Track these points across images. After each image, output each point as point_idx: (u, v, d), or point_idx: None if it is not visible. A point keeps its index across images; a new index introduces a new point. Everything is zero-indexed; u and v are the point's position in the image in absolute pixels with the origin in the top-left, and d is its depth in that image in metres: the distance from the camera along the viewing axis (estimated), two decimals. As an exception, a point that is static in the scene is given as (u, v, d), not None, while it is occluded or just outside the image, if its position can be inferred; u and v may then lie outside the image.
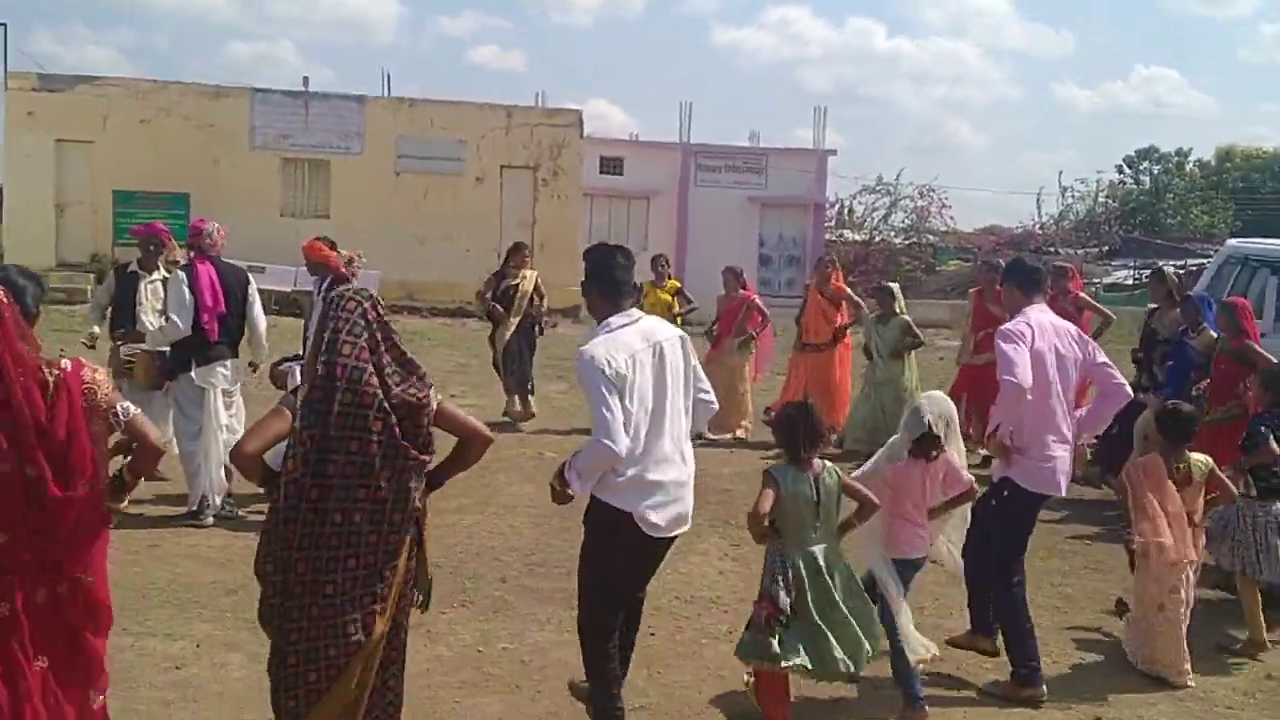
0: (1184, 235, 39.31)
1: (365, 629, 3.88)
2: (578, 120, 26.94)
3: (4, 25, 29.36)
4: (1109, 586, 7.47)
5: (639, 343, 4.59)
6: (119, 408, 3.71)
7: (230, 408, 8.47)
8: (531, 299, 12.18)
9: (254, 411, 9.74)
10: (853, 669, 4.90)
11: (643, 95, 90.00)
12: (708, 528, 8.33)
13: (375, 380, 3.83)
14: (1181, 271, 16.91)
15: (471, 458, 4.19)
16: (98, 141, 24.12)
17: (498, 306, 11.98)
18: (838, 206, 35.80)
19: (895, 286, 12.11)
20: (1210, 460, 6.20)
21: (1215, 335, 8.86)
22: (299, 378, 8.34)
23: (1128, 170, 49.24)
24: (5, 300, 3.51)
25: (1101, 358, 5.90)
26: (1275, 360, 8.32)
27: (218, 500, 8.17)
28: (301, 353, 8.87)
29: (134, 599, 6.39)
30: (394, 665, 4.12)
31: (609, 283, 4.75)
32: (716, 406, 5.09)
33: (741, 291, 12.43)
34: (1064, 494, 5.90)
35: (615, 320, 4.66)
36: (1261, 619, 6.45)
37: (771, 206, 31.08)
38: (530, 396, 12.38)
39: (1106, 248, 36.76)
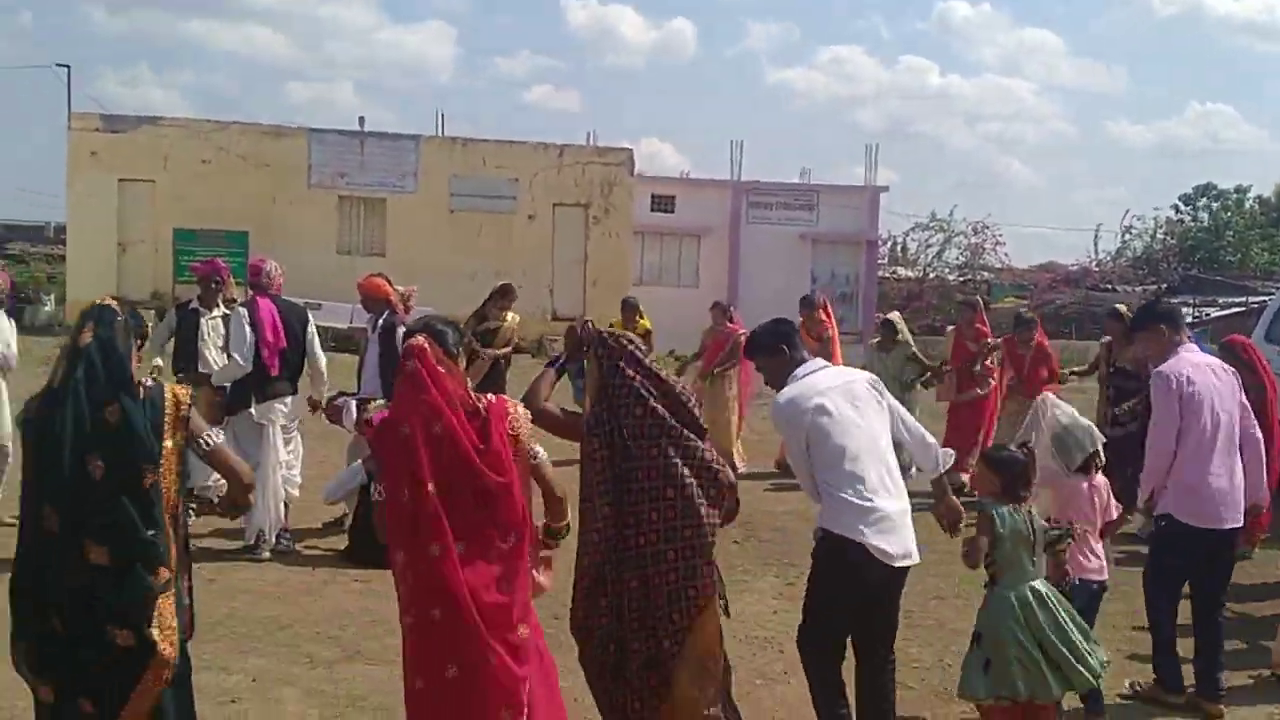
0: (1244, 273, 38.73)
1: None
2: (629, 158, 27.11)
3: (67, 68, 30.08)
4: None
5: (825, 382, 4.83)
6: (532, 449, 4.20)
7: (289, 444, 8.55)
8: (510, 341, 11.97)
9: (311, 447, 9.85)
10: (1064, 691, 4.96)
11: (695, 133, 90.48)
12: (761, 565, 8.27)
13: (659, 407, 4.28)
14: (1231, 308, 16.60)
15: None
16: (159, 181, 24.58)
17: (479, 349, 11.53)
18: (890, 243, 35.67)
19: (895, 317, 12.14)
20: None
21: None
22: (355, 413, 8.49)
23: (1184, 207, 48.60)
24: (427, 345, 3.99)
25: (1241, 399, 5.98)
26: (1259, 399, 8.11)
27: (274, 536, 8.23)
28: (357, 389, 8.99)
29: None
30: None
31: (778, 345, 5.00)
32: (943, 449, 5.09)
33: (728, 325, 12.39)
34: (1229, 527, 5.83)
35: (800, 370, 4.90)
36: None
37: (823, 243, 30.99)
38: None
39: (1165, 285, 36.28)
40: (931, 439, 5.03)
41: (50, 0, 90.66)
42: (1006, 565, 4.94)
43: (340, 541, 8.34)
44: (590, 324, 4.46)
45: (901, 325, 11.86)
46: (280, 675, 5.89)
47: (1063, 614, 4.92)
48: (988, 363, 11.26)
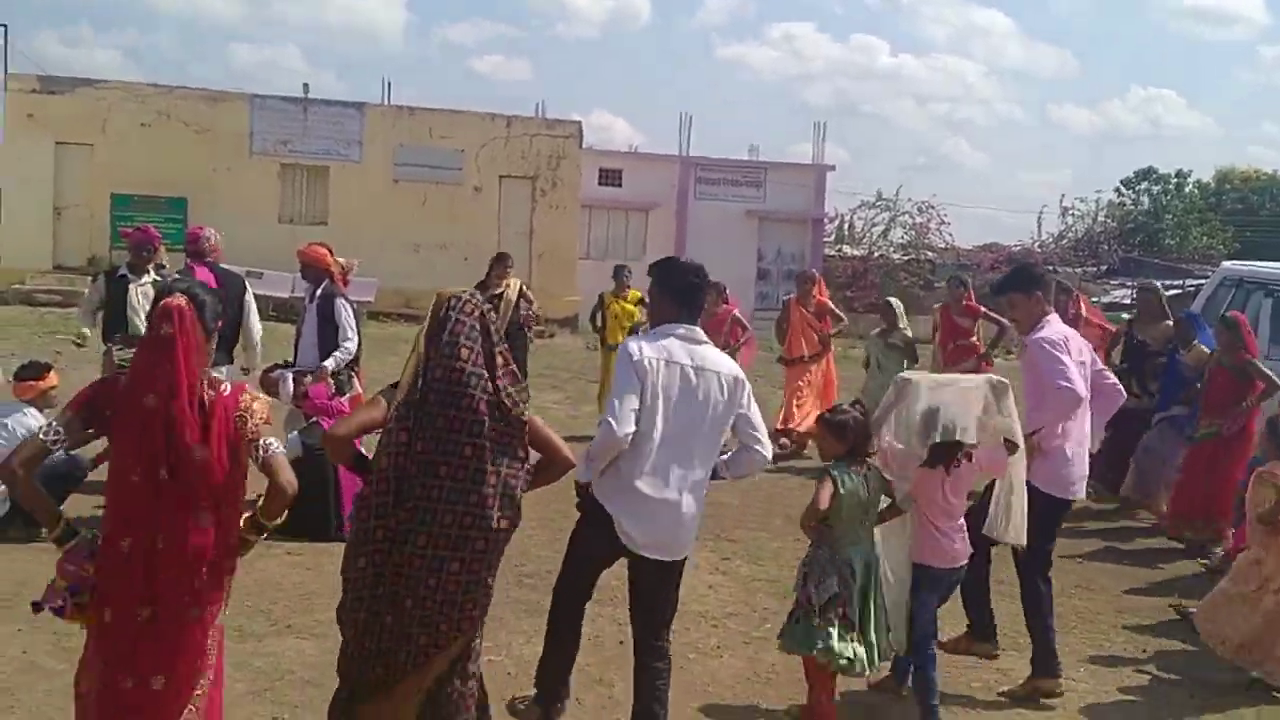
0: (1182, 256, 39.33)
1: (437, 644, 3.95)
2: (577, 131, 26.97)
3: (4, 26, 29.33)
4: (1098, 606, 7.45)
5: (682, 356, 4.59)
6: (263, 442, 3.70)
7: (222, 414, 8.44)
8: (517, 305, 12.12)
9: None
10: (885, 660, 5.13)
11: (646, 107, 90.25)
12: (698, 541, 8.29)
13: (491, 386, 3.91)
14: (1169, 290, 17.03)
15: (551, 478, 4.22)
16: (97, 145, 24.12)
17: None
18: (837, 221, 35.85)
19: (896, 302, 12.14)
20: None
21: (1206, 351, 8.94)
22: (291, 385, 8.41)
23: (1126, 191, 49.26)
24: (189, 309, 3.57)
25: (1098, 363, 6.14)
26: (1273, 376, 8.43)
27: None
28: (292, 360, 8.89)
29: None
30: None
31: (676, 294, 4.76)
32: (768, 457, 4.90)
33: (724, 306, 12.46)
34: (1081, 496, 6.03)
35: (679, 329, 4.68)
36: None
37: (770, 221, 31.09)
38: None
39: (1105, 267, 36.78)
40: (766, 455, 4.84)
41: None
42: (839, 526, 5.00)
43: (275, 514, 8.26)
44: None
45: (899, 309, 11.90)
46: (210, 648, 5.81)
47: (876, 594, 5.07)
48: (974, 339, 11.36)
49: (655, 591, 4.79)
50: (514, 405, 3.96)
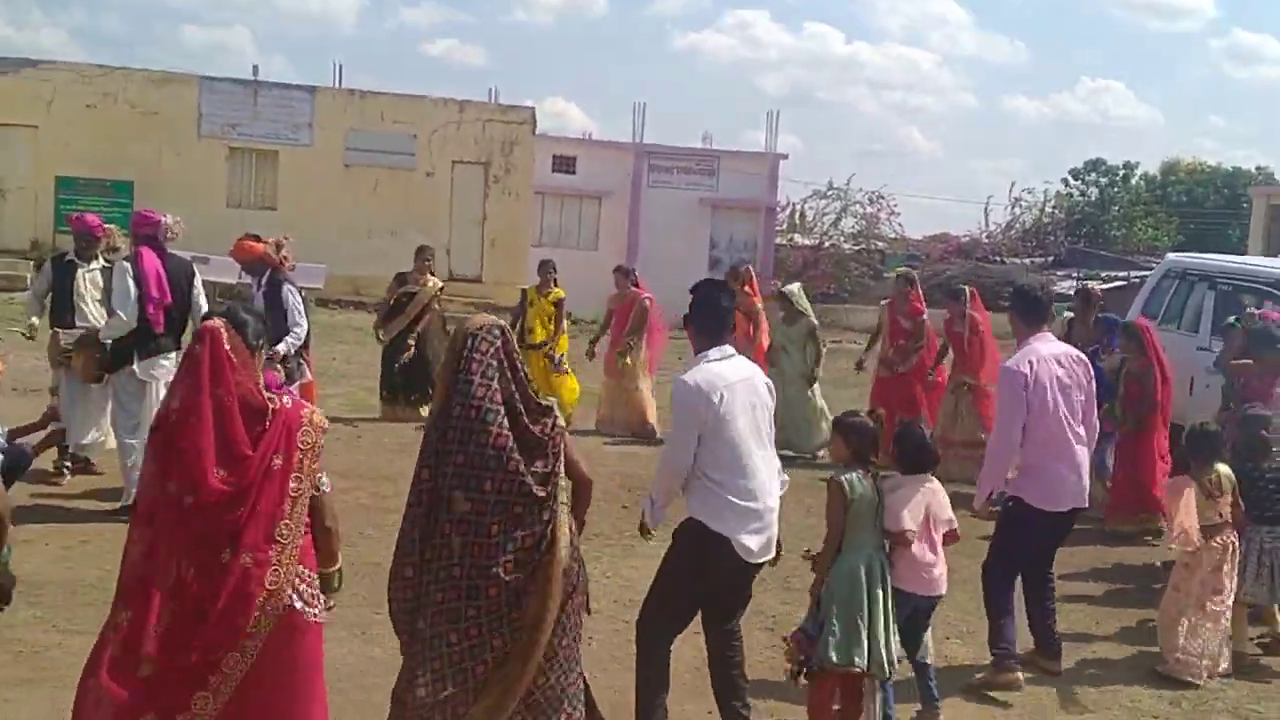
0: (1128, 247, 39.85)
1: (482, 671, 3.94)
2: (531, 117, 26.85)
3: (-54, 6, 28.62)
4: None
5: (733, 375, 4.85)
6: (324, 480, 3.95)
7: (171, 401, 8.36)
8: (429, 305, 11.94)
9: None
10: (895, 663, 5.09)
11: (601, 94, 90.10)
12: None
13: (506, 422, 3.93)
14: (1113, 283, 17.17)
15: (584, 506, 4.29)
16: (41, 126, 23.72)
17: (380, 319, 12.04)
18: (789, 210, 35.93)
19: (794, 288, 12.18)
20: (1232, 474, 6.43)
21: (1121, 358, 9.07)
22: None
23: (1074, 181, 49.81)
24: (223, 330, 3.75)
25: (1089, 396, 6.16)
26: (1147, 383, 8.77)
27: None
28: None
29: (63, 596, 6.32)
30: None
31: (710, 318, 5.01)
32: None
33: (633, 289, 12.38)
34: (1075, 506, 6.05)
35: (713, 354, 4.92)
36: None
37: (723, 209, 31.12)
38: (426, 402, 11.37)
39: (1052, 258, 37.16)
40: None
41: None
42: (853, 531, 5.05)
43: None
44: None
45: (798, 296, 11.89)
46: (157, 638, 5.75)
47: (888, 591, 5.06)
48: (919, 344, 11.30)
49: (746, 587, 5.03)
50: (542, 433, 4.01)
